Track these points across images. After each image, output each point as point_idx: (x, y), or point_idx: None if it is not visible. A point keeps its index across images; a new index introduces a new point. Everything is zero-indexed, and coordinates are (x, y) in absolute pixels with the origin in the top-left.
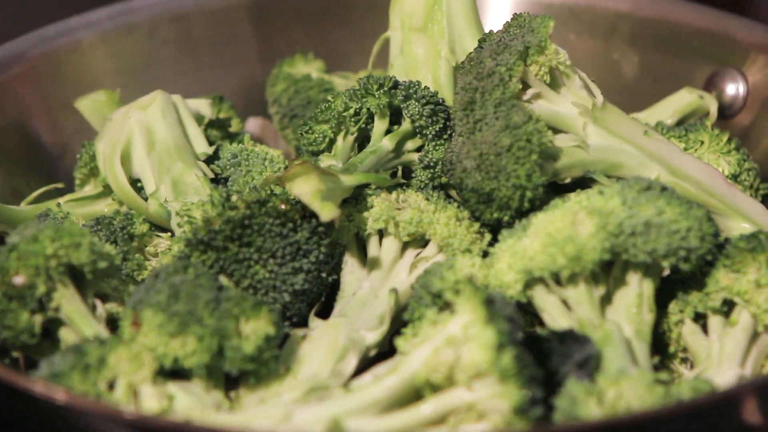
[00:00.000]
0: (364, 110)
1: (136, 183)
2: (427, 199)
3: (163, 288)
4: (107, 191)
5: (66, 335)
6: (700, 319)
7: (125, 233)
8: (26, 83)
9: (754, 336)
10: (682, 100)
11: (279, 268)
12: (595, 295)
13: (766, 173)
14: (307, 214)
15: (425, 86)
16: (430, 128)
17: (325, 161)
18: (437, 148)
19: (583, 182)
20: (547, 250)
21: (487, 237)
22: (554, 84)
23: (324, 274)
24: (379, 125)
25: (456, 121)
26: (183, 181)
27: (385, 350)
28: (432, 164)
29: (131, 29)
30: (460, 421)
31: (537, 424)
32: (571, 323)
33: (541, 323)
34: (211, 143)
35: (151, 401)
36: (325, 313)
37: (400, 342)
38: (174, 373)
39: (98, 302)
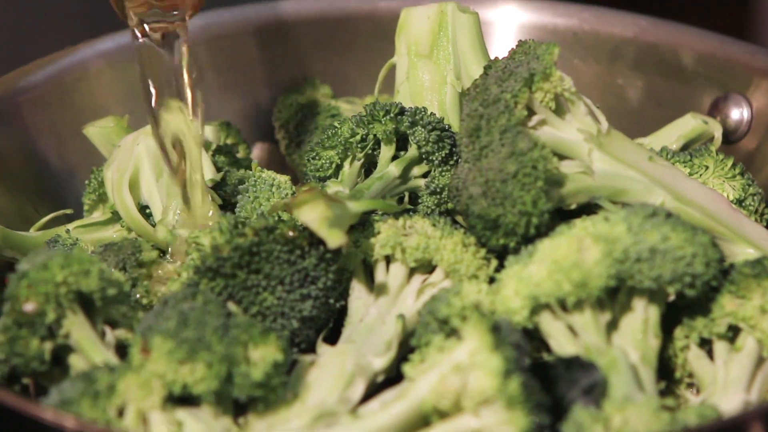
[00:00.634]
0: (371, 136)
1: (144, 209)
2: (434, 225)
3: (172, 315)
4: (116, 217)
5: (76, 362)
6: (705, 344)
7: (134, 260)
8: (35, 109)
9: (760, 361)
10: (687, 125)
11: (287, 294)
12: (601, 321)
13: None
14: (315, 240)
15: (431, 112)
16: (437, 154)
17: (332, 187)
18: (443, 174)
19: (589, 208)
20: (553, 277)
21: (494, 263)
22: (559, 110)
23: (332, 301)
24: (386, 151)
25: (462, 147)
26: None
27: (393, 376)
28: (438, 190)
29: None
30: None
31: None
32: (578, 349)
33: (548, 349)
34: (218, 169)
35: (160, 428)
36: (332, 339)
37: (407, 368)
38: (183, 399)
39: (107, 329)
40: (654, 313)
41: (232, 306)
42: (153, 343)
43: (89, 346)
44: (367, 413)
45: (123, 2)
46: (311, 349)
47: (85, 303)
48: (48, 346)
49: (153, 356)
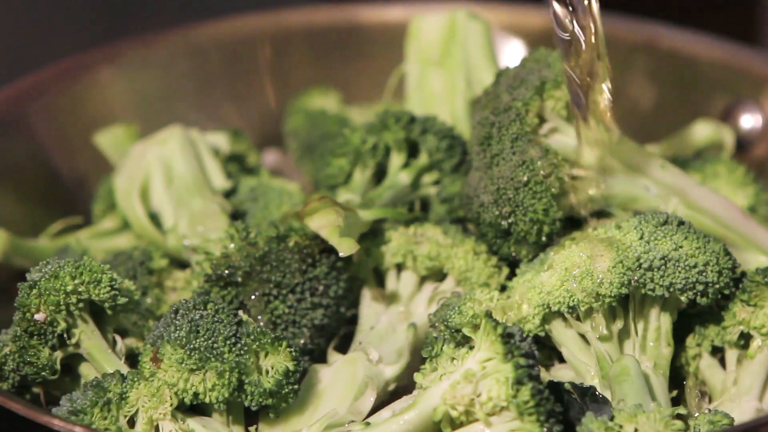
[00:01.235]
0: (382, 144)
1: (154, 217)
2: (445, 233)
3: (182, 324)
4: (125, 225)
5: (86, 371)
6: (717, 352)
7: (144, 268)
8: (44, 117)
9: None
10: (699, 132)
11: (298, 303)
12: (613, 329)
13: None
14: (326, 249)
15: (442, 120)
16: (447, 162)
17: (343, 195)
18: (454, 182)
19: (600, 215)
20: (564, 285)
21: (505, 271)
22: (570, 118)
23: (343, 309)
24: (397, 159)
25: (473, 155)
26: (201, 216)
27: (404, 384)
28: (449, 198)
29: (148, 63)
30: None
31: None
32: (589, 357)
33: (560, 357)
34: (228, 177)
35: None
36: (343, 347)
37: (418, 377)
38: (194, 408)
39: (118, 338)
40: (666, 321)
41: (242, 315)
42: (164, 352)
43: (100, 355)
44: (378, 422)
45: None
46: (322, 357)
47: (96, 312)
48: (58, 355)
49: (164, 365)
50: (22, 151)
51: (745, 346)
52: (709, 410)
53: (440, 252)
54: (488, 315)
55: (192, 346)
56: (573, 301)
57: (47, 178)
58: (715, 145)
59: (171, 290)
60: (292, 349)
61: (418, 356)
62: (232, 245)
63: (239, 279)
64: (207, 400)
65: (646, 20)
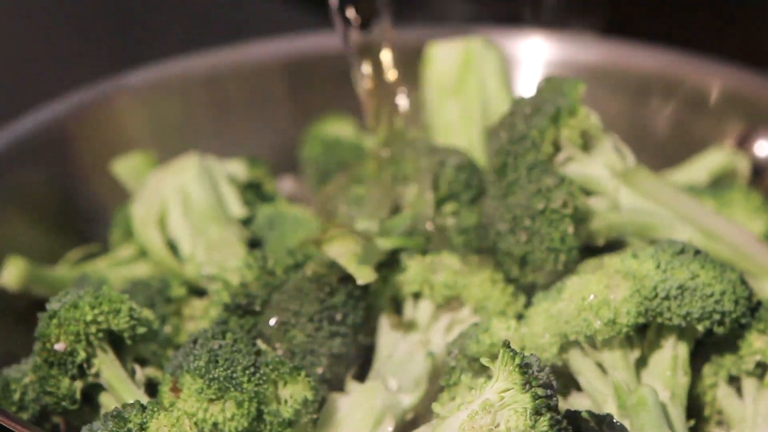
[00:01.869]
0: (400, 174)
1: (171, 245)
2: (462, 262)
3: (201, 353)
4: (143, 253)
5: (106, 400)
6: (734, 381)
7: (162, 297)
8: (62, 146)
9: None
10: (713, 159)
11: (316, 331)
12: (630, 359)
13: None
14: (344, 277)
15: (460, 151)
16: (465, 194)
17: (360, 224)
18: (472, 213)
19: (617, 243)
20: (582, 314)
21: (522, 299)
22: (586, 146)
23: (360, 337)
24: (415, 189)
25: (489, 184)
26: (219, 244)
27: (422, 413)
28: (467, 229)
29: (165, 91)
30: None
31: None
32: (607, 386)
33: (577, 387)
34: (245, 205)
35: None
36: (361, 376)
37: (436, 407)
38: None
39: (137, 367)
40: (683, 350)
41: (261, 344)
42: (183, 381)
43: (120, 385)
44: None
45: None
46: (340, 386)
47: (115, 341)
48: (78, 385)
49: (183, 395)
50: (40, 179)
51: (762, 375)
52: None
53: (457, 280)
54: (506, 344)
55: (211, 375)
56: (590, 330)
57: (65, 206)
58: (730, 172)
59: (189, 319)
60: (311, 379)
61: (436, 385)
62: (249, 274)
63: (257, 308)
64: (226, 430)
65: (660, 48)
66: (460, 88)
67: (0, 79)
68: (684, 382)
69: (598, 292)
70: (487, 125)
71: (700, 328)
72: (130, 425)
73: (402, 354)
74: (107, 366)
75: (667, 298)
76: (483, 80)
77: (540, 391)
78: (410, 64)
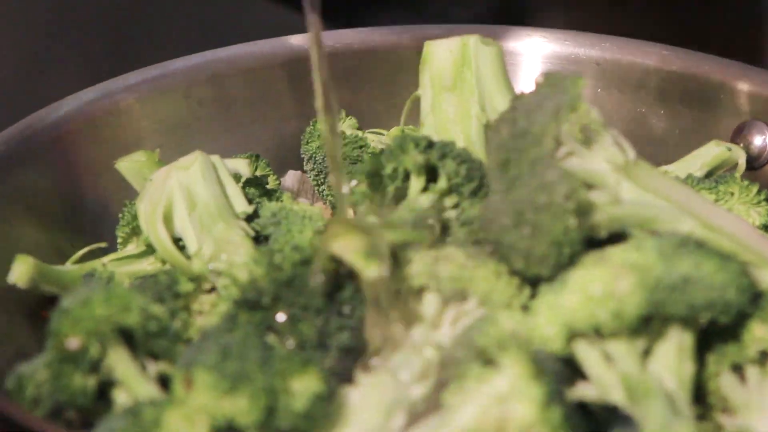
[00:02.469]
0: (401, 169)
1: (177, 241)
2: (467, 255)
3: (213, 348)
4: (150, 250)
5: (119, 396)
6: (738, 369)
7: (171, 292)
8: (67, 146)
9: None
10: (710, 152)
11: (324, 325)
12: (636, 348)
13: None
14: (350, 272)
15: (459, 145)
16: (467, 186)
17: (364, 219)
18: (473, 205)
19: (619, 236)
20: (587, 306)
21: (527, 292)
22: (586, 141)
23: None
24: (416, 183)
25: (491, 179)
26: (225, 241)
27: (431, 405)
28: (469, 221)
29: (168, 90)
30: None
31: None
32: (613, 376)
33: (583, 376)
34: (249, 201)
35: None
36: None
37: (446, 398)
38: (227, 431)
39: (148, 362)
40: (688, 339)
41: (271, 338)
42: (195, 376)
43: (132, 380)
44: None
45: None
46: (350, 379)
47: (127, 337)
48: (92, 381)
49: (196, 389)
50: (45, 179)
51: (765, 363)
52: (733, 427)
53: (462, 273)
54: (514, 335)
55: (223, 369)
56: (596, 322)
57: (71, 204)
58: (727, 165)
59: (198, 314)
60: (321, 372)
61: (445, 377)
62: (258, 269)
63: (266, 303)
64: (240, 423)
65: (657, 43)
66: (456, 84)
67: (5, 80)
68: (689, 371)
69: (603, 283)
70: (485, 121)
71: (705, 317)
72: (145, 420)
73: (410, 347)
74: (120, 361)
75: (671, 288)
76: (480, 76)
77: (550, 381)
78: (410, 64)
